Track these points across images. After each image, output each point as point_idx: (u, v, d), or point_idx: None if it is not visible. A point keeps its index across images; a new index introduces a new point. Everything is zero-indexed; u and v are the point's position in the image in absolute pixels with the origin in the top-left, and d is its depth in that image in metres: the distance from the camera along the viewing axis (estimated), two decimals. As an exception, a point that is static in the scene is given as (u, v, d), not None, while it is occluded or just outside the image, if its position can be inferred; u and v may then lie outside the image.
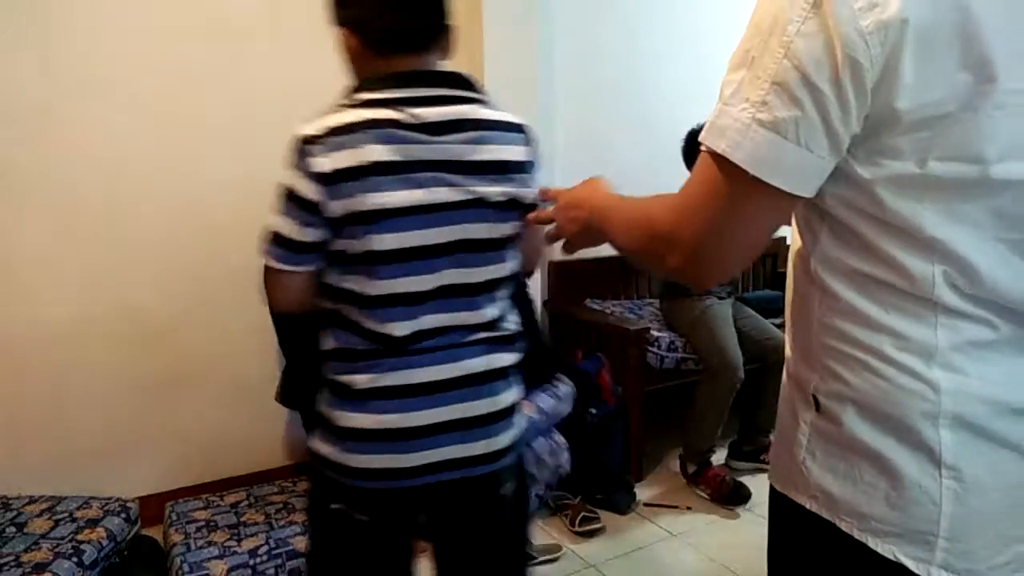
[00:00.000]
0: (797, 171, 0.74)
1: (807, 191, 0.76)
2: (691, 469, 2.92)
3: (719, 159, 0.76)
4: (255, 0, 2.60)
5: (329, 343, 1.26)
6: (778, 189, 0.74)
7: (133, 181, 2.50)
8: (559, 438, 2.59)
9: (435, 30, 1.26)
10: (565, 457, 2.59)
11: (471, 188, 1.23)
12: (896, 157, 0.72)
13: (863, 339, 0.79)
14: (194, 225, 2.56)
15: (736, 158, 0.74)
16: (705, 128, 0.78)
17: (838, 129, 0.71)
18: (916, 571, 0.77)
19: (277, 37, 2.59)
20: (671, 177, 3.39)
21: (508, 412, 1.33)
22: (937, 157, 0.71)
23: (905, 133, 0.71)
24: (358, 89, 1.22)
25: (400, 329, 1.22)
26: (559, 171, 3.37)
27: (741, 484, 2.80)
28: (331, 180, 1.15)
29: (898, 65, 0.68)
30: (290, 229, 1.18)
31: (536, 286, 2.56)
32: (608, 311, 3.35)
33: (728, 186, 0.76)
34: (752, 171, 0.74)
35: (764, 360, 2.95)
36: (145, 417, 2.60)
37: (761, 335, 3.00)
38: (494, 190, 1.25)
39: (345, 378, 1.24)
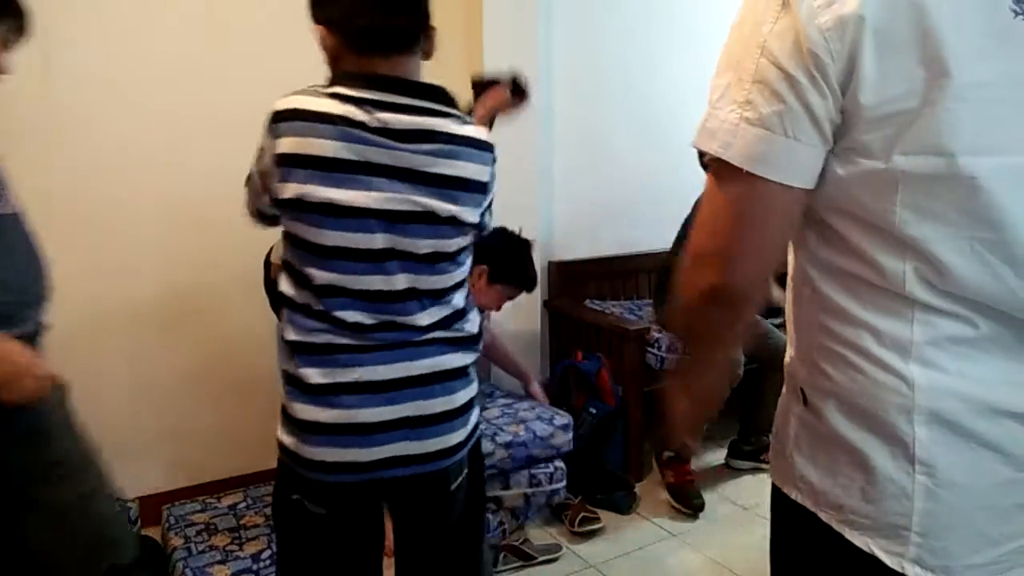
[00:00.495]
0: (790, 163, 0.76)
1: (804, 182, 0.77)
2: (667, 455, 2.88)
3: (716, 167, 0.79)
4: None
5: (288, 333, 1.27)
6: (777, 183, 0.76)
7: (133, 181, 2.49)
8: (559, 463, 2.60)
9: (413, 31, 1.27)
10: (561, 485, 2.59)
11: (421, 200, 1.23)
12: (866, 154, 0.74)
13: (843, 334, 0.80)
14: (194, 225, 2.56)
15: (729, 156, 0.77)
16: (696, 132, 0.81)
17: (820, 116, 0.74)
18: (889, 564, 0.78)
19: (278, 35, 2.58)
20: (671, 177, 3.40)
21: (463, 410, 1.35)
22: (902, 151, 0.72)
23: (871, 129, 0.73)
24: (334, 82, 1.24)
25: (350, 317, 1.24)
26: (559, 171, 3.38)
27: (699, 495, 2.75)
28: (284, 162, 1.19)
29: (858, 60, 0.71)
30: (253, 196, 1.31)
31: (536, 286, 2.55)
32: (608, 311, 3.35)
33: (732, 190, 0.78)
34: (747, 167, 0.76)
35: (763, 360, 2.95)
36: (145, 417, 2.59)
37: (761, 335, 3.00)
38: (444, 206, 1.25)
39: (302, 372, 1.25)
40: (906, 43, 0.70)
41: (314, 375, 1.24)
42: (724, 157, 0.77)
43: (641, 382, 2.94)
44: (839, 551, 0.82)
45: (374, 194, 1.20)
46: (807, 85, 0.72)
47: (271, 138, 1.21)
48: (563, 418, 2.63)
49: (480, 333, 1.40)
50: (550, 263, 3.35)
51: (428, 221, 1.25)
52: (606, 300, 3.54)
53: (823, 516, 0.83)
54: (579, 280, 3.46)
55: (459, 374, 1.34)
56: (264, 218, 1.35)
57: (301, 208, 1.20)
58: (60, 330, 2.44)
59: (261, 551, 2.08)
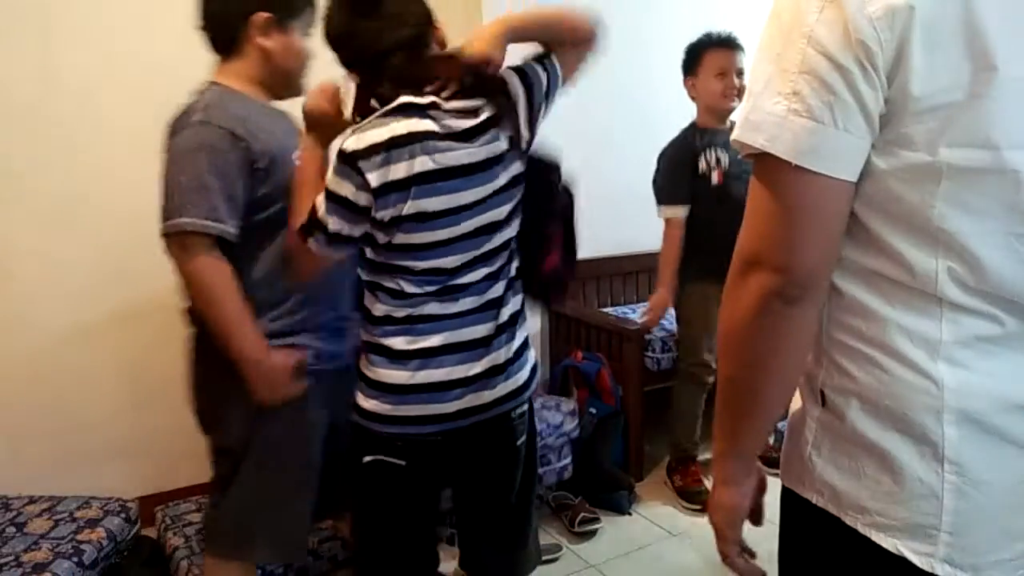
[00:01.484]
0: (839, 155, 0.74)
1: (852, 175, 0.76)
2: (672, 462, 2.93)
3: (762, 163, 0.77)
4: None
5: (376, 310, 1.42)
6: (825, 176, 0.74)
7: (132, 181, 2.49)
8: (565, 451, 2.65)
9: (420, 36, 1.38)
10: (567, 463, 2.66)
11: (496, 182, 1.39)
12: (909, 146, 0.73)
13: (868, 333, 0.79)
14: (194, 225, 2.56)
15: (777, 151, 0.75)
16: (738, 125, 0.79)
17: (871, 107, 0.73)
18: (920, 565, 0.77)
19: (277, 37, 2.59)
20: (671, 177, 3.38)
21: (521, 351, 1.49)
22: (947, 144, 0.71)
23: (917, 121, 0.72)
24: (382, 104, 1.34)
25: (440, 288, 1.40)
26: (559, 171, 3.38)
27: (708, 492, 2.76)
28: (379, 193, 1.30)
29: (908, 50, 0.70)
30: (340, 226, 1.33)
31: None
32: (608, 311, 3.35)
33: (779, 185, 0.77)
34: (796, 161, 0.74)
35: None
36: (145, 417, 2.59)
37: None
38: (507, 174, 1.41)
39: (388, 341, 1.40)
40: (953, 35, 0.69)
41: (399, 343, 1.39)
42: (771, 151, 0.75)
43: (641, 382, 2.94)
44: (865, 554, 0.80)
45: (456, 195, 1.35)
46: (858, 75, 0.71)
47: (357, 176, 1.29)
48: (569, 404, 2.71)
49: (517, 276, 1.52)
50: (550, 263, 3.35)
51: (502, 191, 1.41)
52: (606, 300, 3.54)
53: (848, 520, 0.82)
54: (579, 280, 3.46)
55: (518, 318, 1.49)
56: (334, 243, 1.37)
57: (398, 223, 1.33)
58: (59, 331, 2.45)
59: (263, 548, 2.08)
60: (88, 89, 2.41)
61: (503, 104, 1.37)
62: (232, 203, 1.49)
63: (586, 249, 3.46)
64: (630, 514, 2.74)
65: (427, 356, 1.39)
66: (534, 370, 1.53)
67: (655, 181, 2.85)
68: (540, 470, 2.53)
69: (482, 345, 1.42)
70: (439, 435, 1.43)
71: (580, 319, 3.20)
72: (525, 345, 1.51)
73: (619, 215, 3.56)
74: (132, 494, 2.33)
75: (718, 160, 2.65)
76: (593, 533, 2.59)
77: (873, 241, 0.78)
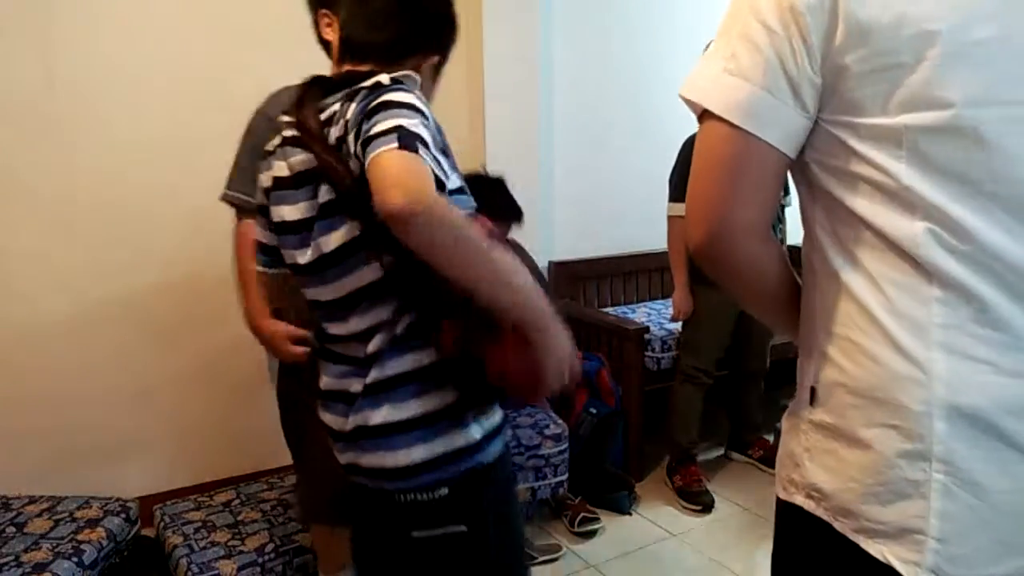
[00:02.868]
0: (764, 115, 0.77)
1: (777, 139, 0.77)
2: (672, 462, 2.93)
3: (700, 121, 0.81)
4: (256, 0, 2.60)
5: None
6: (754, 135, 0.77)
7: (132, 181, 2.50)
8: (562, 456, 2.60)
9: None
10: (564, 478, 2.59)
11: None
12: (862, 112, 0.74)
13: (857, 320, 0.77)
14: (193, 225, 2.55)
15: (708, 104, 0.78)
16: (683, 84, 0.82)
17: (793, 73, 0.75)
18: (905, 574, 0.73)
19: (278, 37, 2.59)
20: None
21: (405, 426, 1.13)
22: (901, 106, 0.72)
23: (862, 86, 0.73)
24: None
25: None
26: (559, 172, 3.39)
27: (708, 492, 2.79)
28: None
29: (837, 16, 0.72)
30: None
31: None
32: (608, 311, 3.35)
33: (712, 139, 0.80)
34: (723, 115, 0.77)
35: (761, 359, 2.99)
36: (145, 417, 2.60)
37: (765, 336, 3.00)
38: None
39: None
40: (891, 2, 0.70)
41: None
42: (704, 105, 0.78)
43: (641, 382, 2.94)
44: (855, 563, 0.77)
45: None
46: (785, 42, 0.74)
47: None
48: (558, 427, 2.61)
49: None
50: (550, 263, 3.35)
51: None
52: (606, 300, 3.54)
53: (838, 526, 0.78)
54: (579, 280, 3.46)
55: (397, 382, 1.13)
56: None
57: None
58: (60, 331, 2.45)
59: (264, 545, 2.08)
60: (88, 89, 2.41)
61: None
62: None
63: (586, 249, 3.50)
64: (630, 514, 2.74)
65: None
66: (431, 463, 1.12)
67: (671, 174, 2.82)
68: (535, 484, 2.51)
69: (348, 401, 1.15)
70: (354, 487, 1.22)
71: (580, 319, 3.19)
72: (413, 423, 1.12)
73: (619, 215, 3.56)
74: (132, 494, 2.33)
75: None
76: (593, 533, 2.59)
77: (853, 217, 0.77)
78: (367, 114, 1.01)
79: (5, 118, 2.33)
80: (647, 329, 2.98)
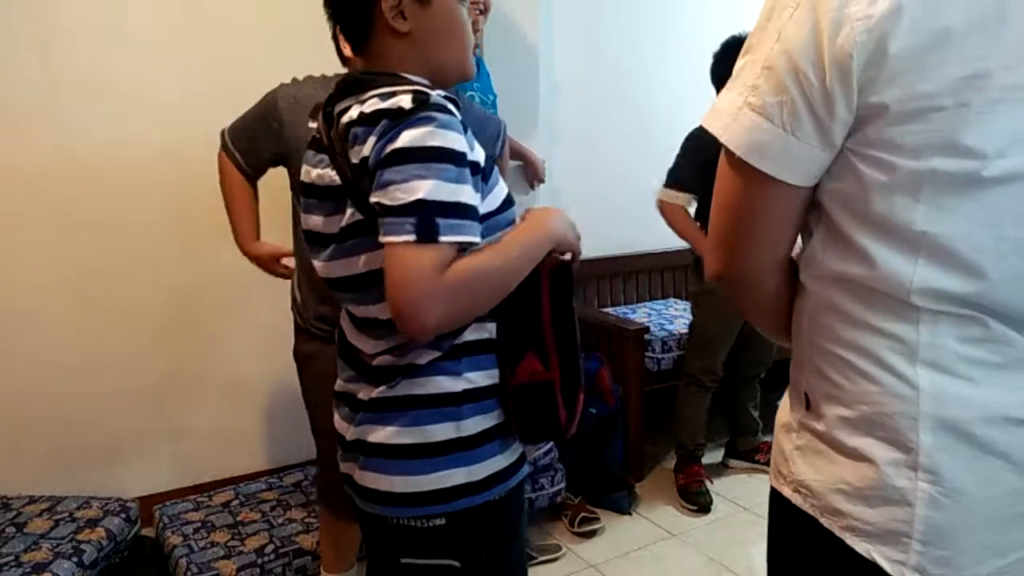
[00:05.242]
0: (785, 157, 0.74)
1: (800, 180, 0.75)
2: (678, 460, 2.93)
3: (726, 153, 0.78)
4: (256, 0, 2.60)
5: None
6: (769, 176, 0.74)
7: (133, 181, 2.50)
8: (557, 465, 2.62)
9: None
10: (561, 486, 2.61)
11: None
12: (890, 151, 0.71)
13: (846, 337, 0.78)
14: (193, 225, 2.56)
15: (727, 141, 0.76)
16: (708, 111, 0.79)
17: (822, 116, 0.71)
18: (890, 572, 0.75)
19: (277, 36, 2.59)
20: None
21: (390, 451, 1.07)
22: (932, 151, 0.69)
23: (896, 125, 0.69)
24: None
25: None
26: (558, 172, 3.39)
27: (707, 494, 2.78)
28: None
29: (886, 54, 0.67)
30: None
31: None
32: (608, 311, 3.35)
33: (733, 176, 0.77)
34: (741, 155, 0.74)
35: (763, 363, 2.98)
36: (145, 417, 2.60)
37: (764, 338, 2.99)
38: None
39: None
40: (941, 41, 0.66)
41: None
42: (722, 140, 0.75)
43: (641, 382, 2.94)
44: (840, 557, 0.79)
45: None
46: (814, 82, 0.69)
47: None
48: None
49: None
50: (550, 263, 3.35)
51: None
52: (606, 300, 3.54)
53: (824, 522, 0.80)
54: (579, 280, 3.45)
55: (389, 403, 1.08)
56: None
57: None
58: (60, 330, 2.45)
59: (264, 545, 2.08)
60: (88, 90, 2.41)
61: None
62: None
63: (586, 249, 3.50)
64: (630, 514, 2.74)
65: None
66: (429, 495, 1.05)
67: (672, 166, 2.74)
68: (532, 495, 2.51)
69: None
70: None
71: (580, 319, 3.18)
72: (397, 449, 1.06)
73: (619, 215, 3.56)
74: (132, 494, 2.33)
75: None
76: (593, 533, 2.58)
77: (851, 245, 0.76)
78: (383, 161, 0.93)
79: (5, 118, 2.33)
80: (647, 329, 2.98)
